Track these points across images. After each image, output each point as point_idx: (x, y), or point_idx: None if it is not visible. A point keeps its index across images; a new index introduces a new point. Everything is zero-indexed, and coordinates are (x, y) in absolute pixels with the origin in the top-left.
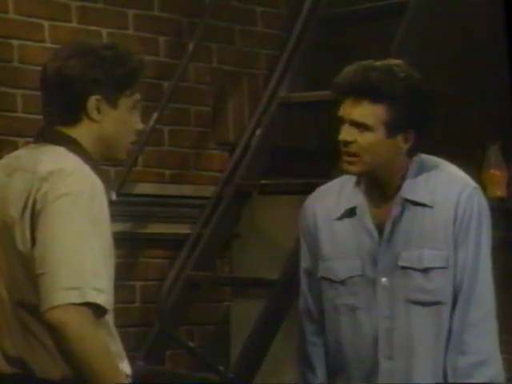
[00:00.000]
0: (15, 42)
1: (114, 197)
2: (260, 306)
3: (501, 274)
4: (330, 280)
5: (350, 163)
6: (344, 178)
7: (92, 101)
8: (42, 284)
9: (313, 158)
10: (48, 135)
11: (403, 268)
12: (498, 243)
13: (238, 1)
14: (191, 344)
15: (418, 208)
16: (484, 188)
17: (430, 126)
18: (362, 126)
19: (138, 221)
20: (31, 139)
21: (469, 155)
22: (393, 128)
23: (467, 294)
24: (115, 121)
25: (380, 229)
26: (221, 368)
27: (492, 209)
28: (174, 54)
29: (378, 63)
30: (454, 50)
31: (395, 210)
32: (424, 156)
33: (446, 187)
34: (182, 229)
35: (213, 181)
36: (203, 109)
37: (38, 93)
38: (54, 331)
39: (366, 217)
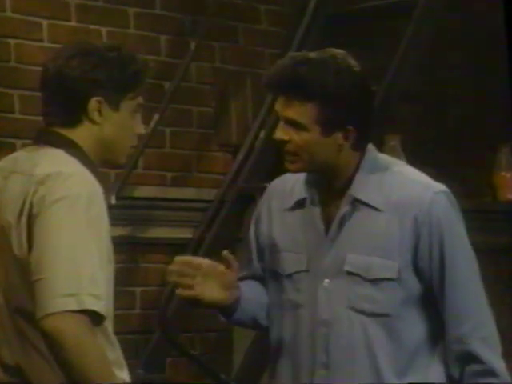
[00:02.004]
0: (12, 42)
1: (113, 201)
2: None
3: (507, 278)
4: (277, 273)
5: (290, 162)
6: None
7: (93, 102)
8: (38, 290)
9: None
10: (46, 137)
11: (349, 274)
12: (508, 247)
13: None
14: (192, 351)
15: (370, 210)
16: (494, 191)
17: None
18: (295, 125)
19: (139, 225)
20: (29, 141)
21: (479, 157)
22: (328, 126)
23: (455, 306)
24: (116, 124)
25: (328, 225)
26: (223, 376)
27: (502, 212)
28: (175, 54)
29: (311, 55)
30: (465, 50)
31: (343, 208)
32: (381, 155)
33: (403, 192)
34: (184, 233)
35: (215, 183)
36: (205, 110)
37: (36, 93)
38: (50, 339)
39: (315, 210)
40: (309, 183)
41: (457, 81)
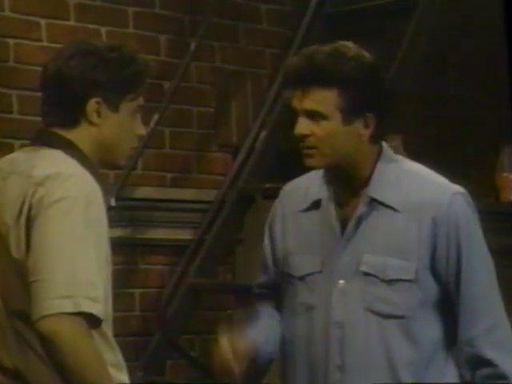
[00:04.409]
0: (11, 41)
1: (112, 203)
2: None
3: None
4: (291, 275)
5: (310, 156)
6: (314, 171)
7: (92, 103)
8: (35, 292)
9: None
10: (45, 138)
11: (365, 274)
12: (511, 248)
13: None
14: (193, 354)
15: (387, 210)
16: (497, 192)
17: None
18: (315, 115)
19: (138, 226)
20: (27, 141)
21: (482, 158)
22: (349, 113)
23: (468, 308)
24: (115, 125)
25: (344, 226)
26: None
27: (505, 213)
28: (175, 53)
29: (324, 47)
30: (466, 50)
31: (360, 208)
32: (397, 156)
33: (421, 193)
34: (184, 234)
35: (215, 184)
36: (205, 110)
37: (35, 93)
38: (46, 341)
39: (330, 210)
40: (325, 183)
41: (459, 80)
